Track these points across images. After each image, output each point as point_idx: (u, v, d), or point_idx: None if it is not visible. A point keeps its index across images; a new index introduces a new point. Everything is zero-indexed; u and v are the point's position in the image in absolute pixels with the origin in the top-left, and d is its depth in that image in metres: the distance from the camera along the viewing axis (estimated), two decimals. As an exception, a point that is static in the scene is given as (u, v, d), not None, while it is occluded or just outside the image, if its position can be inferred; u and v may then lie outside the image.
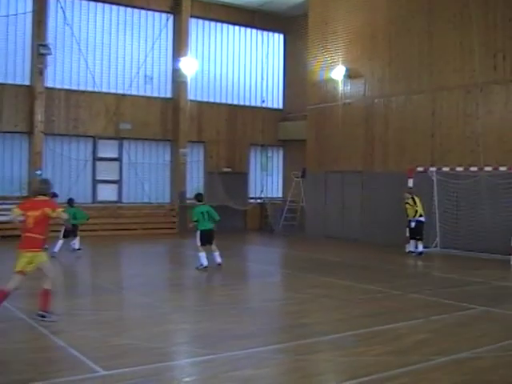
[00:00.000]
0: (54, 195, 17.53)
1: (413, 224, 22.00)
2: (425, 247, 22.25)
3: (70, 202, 21.18)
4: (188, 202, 28.38)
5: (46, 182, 11.80)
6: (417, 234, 22.05)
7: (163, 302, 13.20)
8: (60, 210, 11.33)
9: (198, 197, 18.42)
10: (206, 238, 17.66)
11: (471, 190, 21.94)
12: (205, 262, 17.38)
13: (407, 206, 22.08)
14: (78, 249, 20.90)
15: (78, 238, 21.02)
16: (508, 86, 21.89)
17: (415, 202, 21.98)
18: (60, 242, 19.91)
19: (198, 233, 17.67)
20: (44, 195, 11.25)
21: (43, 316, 10.66)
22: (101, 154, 28.56)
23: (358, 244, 25.27)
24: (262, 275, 17.72)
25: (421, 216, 21.99)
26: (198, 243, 17.65)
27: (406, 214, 22.16)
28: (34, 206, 10.99)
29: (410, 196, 22.06)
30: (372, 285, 15.47)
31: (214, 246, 17.87)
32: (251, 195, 32.90)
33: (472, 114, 22.83)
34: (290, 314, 12.16)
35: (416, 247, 22.05)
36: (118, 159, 29.06)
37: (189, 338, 10.23)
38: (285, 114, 33.84)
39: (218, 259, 17.77)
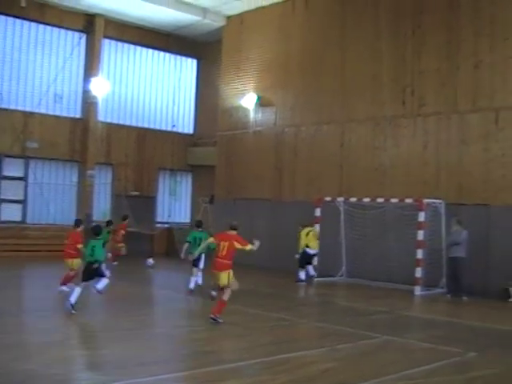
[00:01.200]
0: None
1: (297, 255, 22.42)
2: (331, 276, 22.49)
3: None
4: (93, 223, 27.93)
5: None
6: (304, 262, 22.32)
7: (65, 326, 12.86)
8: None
9: (197, 223, 19.45)
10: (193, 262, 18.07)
11: (377, 220, 22.30)
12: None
13: (302, 235, 22.38)
14: None
15: None
16: (415, 120, 22.46)
17: (307, 234, 22.25)
18: None
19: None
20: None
21: (214, 319, 13.36)
22: (6, 173, 27.80)
23: (266, 271, 25.25)
24: (169, 301, 17.53)
25: (307, 247, 22.26)
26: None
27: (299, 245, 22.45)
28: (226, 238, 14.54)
29: (306, 227, 22.39)
30: (278, 313, 15.47)
31: (195, 270, 18.29)
32: (159, 219, 32.60)
33: (380, 147, 23.31)
34: (196, 341, 12.01)
35: (307, 275, 22.29)
36: (24, 178, 28.35)
37: (91, 364, 9.96)
38: (195, 140, 33.77)
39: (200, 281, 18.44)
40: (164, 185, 33.50)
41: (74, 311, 13.68)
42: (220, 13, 29.51)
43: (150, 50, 32.66)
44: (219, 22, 30.03)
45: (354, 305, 17.83)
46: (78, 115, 29.84)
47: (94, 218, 29.24)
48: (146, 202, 31.72)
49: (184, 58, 34.01)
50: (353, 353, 11.41)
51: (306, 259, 22.31)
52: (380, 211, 22.14)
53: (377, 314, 16.23)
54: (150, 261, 25.18)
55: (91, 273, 14.57)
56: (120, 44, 31.49)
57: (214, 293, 16.36)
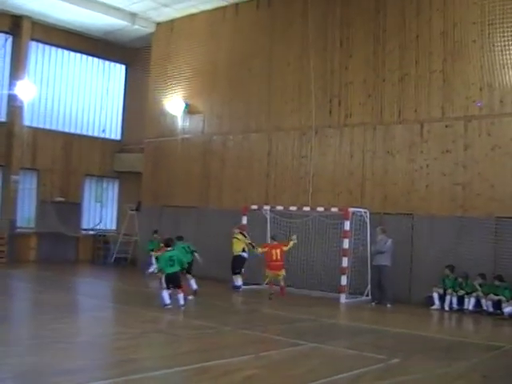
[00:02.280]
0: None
1: (243, 255, 22.37)
2: (257, 284, 22.54)
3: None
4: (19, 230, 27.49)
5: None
6: (236, 267, 22.32)
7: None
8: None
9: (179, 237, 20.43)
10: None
11: (303, 229, 22.48)
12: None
13: (234, 240, 22.29)
14: None
15: None
16: (342, 130, 22.78)
17: (245, 237, 22.26)
18: None
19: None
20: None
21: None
22: None
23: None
24: (92, 309, 17.29)
25: (244, 251, 22.27)
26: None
27: (232, 249, 22.39)
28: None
29: (239, 231, 22.35)
30: (202, 320, 15.43)
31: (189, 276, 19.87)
32: (84, 226, 32.18)
33: (306, 156, 23.53)
34: (120, 349, 11.84)
35: (240, 281, 22.29)
36: None
37: (11, 374, 9.70)
38: (122, 146, 33.48)
39: (194, 286, 19.80)
40: (90, 191, 33.10)
41: None
42: (150, 19, 29.36)
43: (79, 55, 32.25)
44: (149, 28, 29.88)
45: (280, 313, 17.88)
46: (3, 119, 29.25)
47: (18, 224, 28.72)
48: (72, 208, 31.28)
49: (112, 64, 33.72)
50: (277, 360, 11.44)
51: (240, 264, 22.30)
52: (306, 220, 22.34)
53: (302, 322, 16.32)
54: None
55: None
56: (47, 47, 31.02)
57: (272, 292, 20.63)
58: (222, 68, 26.71)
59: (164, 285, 16.89)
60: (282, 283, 20.78)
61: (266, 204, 23.68)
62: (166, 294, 16.46)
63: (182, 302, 16.64)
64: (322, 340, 13.41)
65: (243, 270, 22.48)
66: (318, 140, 23.35)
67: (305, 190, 23.39)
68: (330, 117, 23.16)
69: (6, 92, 29.19)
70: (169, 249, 17.08)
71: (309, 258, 22.33)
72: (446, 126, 20.61)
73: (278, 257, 20.52)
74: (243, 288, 22.35)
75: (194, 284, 19.83)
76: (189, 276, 19.82)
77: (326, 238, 21.88)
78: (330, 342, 13.43)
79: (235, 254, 22.36)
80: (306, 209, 22.19)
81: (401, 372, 10.82)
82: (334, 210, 21.34)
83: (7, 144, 28.97)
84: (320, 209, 21.78)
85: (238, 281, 22.23)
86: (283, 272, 20.74)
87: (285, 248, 20.68)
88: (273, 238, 21.26)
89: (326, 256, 21.69)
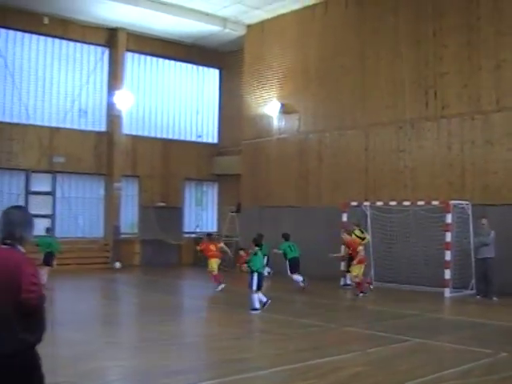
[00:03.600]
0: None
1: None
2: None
3: (48, 230, 22.49)
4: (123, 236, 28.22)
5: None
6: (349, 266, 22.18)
7: (96, 338, 12.97)
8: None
9: (285, 235, 22.55)
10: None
11: (404, 223, 22.27)
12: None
13: (352, 236, 22.07)
14: None
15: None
16: (439, 122, 22.43)
17: (363, 233, 22.15)
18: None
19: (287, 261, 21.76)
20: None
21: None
22: (34, 188, 28.11)
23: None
24: (198, 310, 17.62)
25: None
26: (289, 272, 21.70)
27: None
28: None
29: (358, 228, 22.21)
30: (307, 319, 15.50)
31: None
32: (186, 230, 32.72)
33: (404, 150, 23.27)
34: (226, 349, 12.03)
35: (349, 279, 22.20)
36: (52, 193, 28.64)
37: (122, 375, 10.03)
38: (219, 149, 33.89)
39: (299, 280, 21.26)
40: (190, 195, 33.65)
41: None
42: (240, 22, 29.64)
43: (172, 62, 32.86)
44: (240, 32, 30.16)
45: (383, 309, 17.82)
46: (103, 129, 30.11)
47: (122, 230, 29.47)
48: (173, 213, 31.86)
49: (206, 69, 34.18)
50: (384, 356, 11.41)
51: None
52: (406, 214, 22.12)
53: (407, 317, 16.19)
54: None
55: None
56: (142, 57, 31.73)
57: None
58: (314, 66, 26.71)
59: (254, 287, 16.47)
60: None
61: (366, 200, 23.55)
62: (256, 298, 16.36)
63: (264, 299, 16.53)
64: (427, 335, 13.30)
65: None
66: (415, 133, 23.08)
67: (404, 184, 23.14)
68: (426, 109, 22.85)
69: (105, 102, 30.02)
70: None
71: (410, 253, 22.08)
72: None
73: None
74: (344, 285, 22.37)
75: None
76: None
77: (427, 232, 21.59)
78: (436, 337, 13.32)
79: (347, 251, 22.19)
80: (406, 203, 21.95)
81: (510, 366, 10.65)
82: (434, 203, 21.03)
83: (108, 153, 29.78)
84: (420, 203, 21.50)
85: (348, 279, 22.17)
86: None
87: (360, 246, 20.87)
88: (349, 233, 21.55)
89: (428, 250, 21.40)
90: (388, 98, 23.91)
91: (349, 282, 22.23)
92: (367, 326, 14.60)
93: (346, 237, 21.38)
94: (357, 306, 19.27)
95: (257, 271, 16.08)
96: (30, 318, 5.22)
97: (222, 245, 22.03)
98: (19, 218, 5.55)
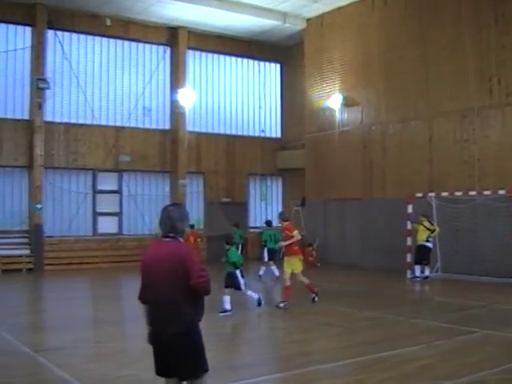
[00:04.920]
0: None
1: (428, 245, 22.07)
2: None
3: (268, 223, 23.70)
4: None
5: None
6: (424, 258, 22.04)
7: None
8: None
9: (267, 223, 23.72)
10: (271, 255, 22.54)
11: (470, 213, 22.01)
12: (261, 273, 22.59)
13: (421, 228, 22.02)
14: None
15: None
16: (504, 110, 22.06)
17: (432, 224, 21.99)
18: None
19: (266, 249, 22.77)
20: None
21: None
22: (100, 187, 28.67)
23: (358, 270, 25.21)
24: (264, 304, 17.67)
25: (428, 241, 21.98)
26: (266, 259, 22.89)
27: (416, 239, 22.17)
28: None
29: (427, 219, 22.08)
30: (373, 311, 15.48)
31: (272, 262, 22.47)
32: (251, 225, 32.87)
33: (469, 139, 22.98)
34: (291, 343, 12.11)
35: (422, 272, 22.05)
36: (118, 191, 29.16)
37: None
38: (283, 143, 33.96)
39: (276, 273, 21.94)
40: (255, 190, 33.81)
41: None
42: (300, 16, 29.62)
43: (233, 58, 33.07)
44: (299, 25, 30.16)
45: (450, 300, 17.64)
46: (167, 127, 30.50)
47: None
48: (238, 208, 32.04)
49: (267, 63, 34.30)
50: (450, 349, 11.31)
51: (423, 254, 22.07)
52: (472, 204, 21.85)
53: (474, 309, 16.01)
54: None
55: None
56: (203, 54, 32.00)
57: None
58: (375, 58, 26.54)
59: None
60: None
61: (431, 191, 23.32)
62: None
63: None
64: (495, 327, 13.13)
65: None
66: (480, 122, 22.74)
67: (469, 174, 22.83)
68: (490, 97, 22.49)
69: (168, 100, 30.38)
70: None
71: (477, 244, 21.80)
72: None
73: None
74: (410, 277, 22.22)
75: (275, 270, 22.07)
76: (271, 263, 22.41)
77: (493, 222, 21.29)
78: (504, 328, 13.12)
79: (419, 243, 22.12)
80: (472, 193, 21.69)
81: None
82: (501, 192, 20.72)
83: (173, 150, 30.15)
84: (486, 192, 21.21)
85: (426, 271, 22.05)
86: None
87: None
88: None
89: (495, 240, 21.09)
90: (451, 88, 23.60)
91: (418, 274, 22.08)
92: (434, 318, 14.49)
93: (282, 223, 17.10)
94: (424, 299, 19.17)
95: (235, 264, 15.85)
96: (195, 300, 6.23)
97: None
98: (178, 213, 6.47)
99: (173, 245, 6.29)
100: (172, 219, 6.36)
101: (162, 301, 6.17)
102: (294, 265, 16.17)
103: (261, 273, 22.61)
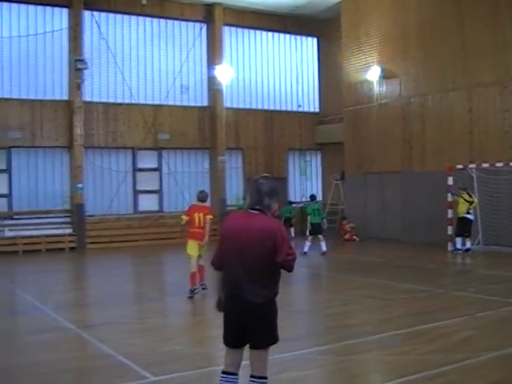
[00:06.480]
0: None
1: (469, 217, 21.84)
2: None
3: (312, 197, 23.78)
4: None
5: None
6: (465, 230, 21.88)
7: (206, 308, 13.22)
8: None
9: (312, 197, 23.66)
10: (315, 230, 22.34)
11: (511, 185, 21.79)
12: (306, 249, 22.10)
13: (461, 200, 21.82)
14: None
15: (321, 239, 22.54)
16: (544, 80, 21.74)
17: (471, 196, 21.81)
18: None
19: (309, 224, 22.45)
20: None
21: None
22: (140, 165, 28.86)
23: (399, 244, 25.13)
24: (305, 278, 17.77)
25: (468, 213, 21.79)
26: (308, 233, 22.54)
27: (457, 211, 22.00)
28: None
29: (466, 192, 21.89)
30: (415, 284, 15.46)
31: (321, 237, 22.33)
32: (291, 199, 32.85)
33: (510, 109, 22.68)
34: (334, 316, 12.17)
35: (463, 244, 21.92)
36: (158, 169, 29.33)
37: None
38: (321, 118, 33.83)
39: (324, 248, 22.17)
40: (294, 165, 33.77)
41: None
42: (336, -12, 29.41)
43: (270, 33, 32.91)
44: (336, -2, 29.97)
45: (492, 272, 17.56)
46: (205, 103, 30.52)
47: (228, 202, 29.88)
48: (278, 184, 31.90)
49: (304, 38, 34.10)
50: (494, 320, 11.29)
51: (466, 226, 21.86)
52: (514, 175, 21.62)
53: (517, 280, 15.93)
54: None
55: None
56: (240, 30, 31.89)
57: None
58: (413, 30, 26.22)
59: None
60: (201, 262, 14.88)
61: (471, 162, 23.11)
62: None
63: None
64: (539, 298, 13.06)
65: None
66: (521, 92, 22.47)
67: (511, 144, 22.55)
68: (530, 67, 22.20)
69: (205, 78, 30.41)
70: None
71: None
72: None
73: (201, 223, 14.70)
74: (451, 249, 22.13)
75: (323, 246, 22.21)
76: (320, 237, 22.35)
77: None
78: (548, 299, 13.05)
79: (459, 215, 21.90)
80: (514, 164, 21.47)
81: None
82: (543, 162, 20.49)
83: (211, 127, 30.20)
84: (528, 162, 20.99)
85: (468, 244, 21.89)
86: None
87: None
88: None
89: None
90: (490, 58, 23.25)
91: (459, 246, 21.94)
92: (476, 290, 14.43)
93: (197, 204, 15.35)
94: (466, 271, 19.09)
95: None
96: (277, 273, 6.28)
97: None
98: (267, 187, 6.40)
99: (263, 218, 6.23)
100: (260, 193, 6.32)
101: (247, 270, 6.10)
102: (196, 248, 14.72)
103: (305, 249, 22.18)
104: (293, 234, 28.19)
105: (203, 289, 14.61)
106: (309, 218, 22.66)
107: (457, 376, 8.09)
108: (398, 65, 26.92)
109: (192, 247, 14.71)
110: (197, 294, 14.25)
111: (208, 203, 16.09)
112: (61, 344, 10.26)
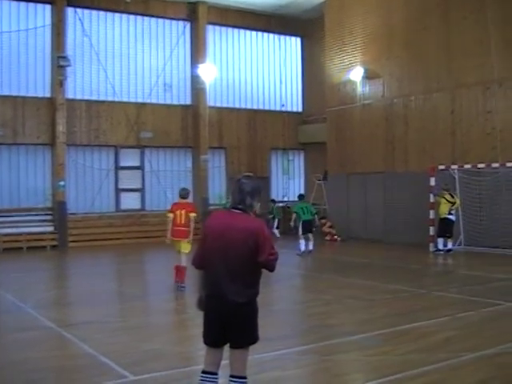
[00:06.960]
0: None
1: (451, 218, 21.89)
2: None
3: (300, 197, 23.76)
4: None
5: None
6: (447, 231, 21.94)
7: (188, 307, 13.13)
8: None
9: (300, 196, 23.59)
10: (307, 227, 22.00)
11: (493, 186, 21.89)
12: (302, 248, 21.93)
13: (443, 201, 21.88)
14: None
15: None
16: (527, 81, 21.83)
17: (453, 197, 21.87)
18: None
19: (300, 223, 21.99)
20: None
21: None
22: (123, 163, 28.77)
23: (381, 244, 25.19)
24: (287, 278, 17.68)
25: (450, 214, 21.85)
26: (300, 232, 22.02)
27: (438, 212, 22.05)
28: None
29: (448, 192, 21.95)
30: (397, 284, 15.49)
31: (311, 236, 22.11)
32: (273, 199, 32.80)
33: (492, 110, 22.77)
34: (316, 316, 12.16)
35: (445, 245, 21.98)
36: (140, 167, 29.24)
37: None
38: (304, 117, 33.86)
39: (310, 247, 22.06)
40: (277, 164, 33.79)
41: None
42: (320, -12, 29.41)
43: (254, 32, 32.92)
44: (319, -2, 29.97)
45: (473, 273, 17.62)
46: (188, 102, 30.47)
47: (211, 201, 29.83)
48: (261, 183, 31.83)
49: (287, 37, 34.13)
50: (475, 321, 11.33)
51: (446, 227, 21.91)
52: (495, 176, 21.71)
53: (499, 282, 15.96)
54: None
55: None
56: (223, 29, 31.86)
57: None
58: (397, 29, 26.25)
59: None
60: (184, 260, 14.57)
61: (453, 163, 23.18)
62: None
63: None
64: (519, 299, 13.11)
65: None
66: (503, 93, 22.51)
67: (493, 146, 22.61)
68: (513, 68, 22.28)
69: (189, 76, 30.35)
70: None
71: (500, 217, 21.67)
72: None
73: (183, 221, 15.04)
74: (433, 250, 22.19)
75: (310, 245, 22.12)
76: (310, 236, 22.15)
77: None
78: (529, 300, 13.10)
79: (441, 216, 21.96)
80: (495, 165, 21.52)
81: None
82: (524, 164, 20.58)
83: (194, 126, 30.16)
84: (510, 164, 21.03)
85: (449, 244, 21.98)
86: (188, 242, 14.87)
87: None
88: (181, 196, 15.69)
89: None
90: (474, 59, 23.30)
91: (441, 247, 22.01)
92: (457, 291, 14.50)
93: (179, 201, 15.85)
94: (447, 271, 19.16)
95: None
96: (258, 273, 6.27)
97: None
98: (249, 187, 6.43)
99: (245, 217, 6.24)
100: (243, 192, 6.34)
101: (229, 270, 6.10)
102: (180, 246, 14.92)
103: (302, 248, 22.00)
104: (278, 235, 28.63)
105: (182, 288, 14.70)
106: (294, 216, 22.73)
107: (438, 376, 8.10)
108: (382, 65, 26.95)
109: (177, 245, 14.97)
110: (184, 288, 14.51)
111: (190, 200, 16.46)
112: (41, 343, 10.16)
